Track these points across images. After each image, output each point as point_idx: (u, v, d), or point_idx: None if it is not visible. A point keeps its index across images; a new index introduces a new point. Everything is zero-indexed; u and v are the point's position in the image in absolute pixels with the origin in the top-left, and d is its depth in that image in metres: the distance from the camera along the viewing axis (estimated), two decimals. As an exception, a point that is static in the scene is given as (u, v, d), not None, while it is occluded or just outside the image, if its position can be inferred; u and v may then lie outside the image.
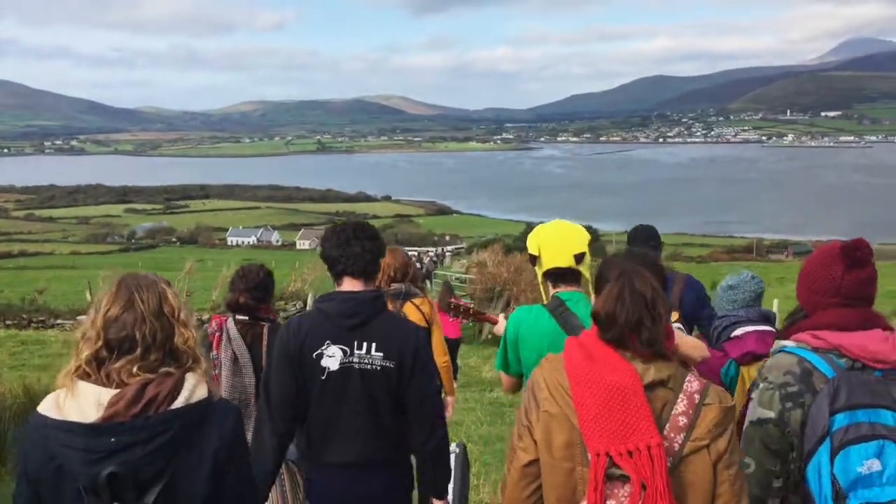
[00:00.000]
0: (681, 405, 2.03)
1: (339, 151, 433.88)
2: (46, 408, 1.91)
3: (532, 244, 3.20)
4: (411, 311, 4.94)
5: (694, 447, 2.00)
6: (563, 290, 3.10)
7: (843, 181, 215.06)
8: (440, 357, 5.08)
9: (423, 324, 4.88)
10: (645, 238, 4.99)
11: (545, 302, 3.20)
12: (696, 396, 2.04)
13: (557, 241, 3.12)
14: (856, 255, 2.38)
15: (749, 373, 3.37)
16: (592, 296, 3.10)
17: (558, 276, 3.12)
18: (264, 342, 4.12)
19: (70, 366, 1.95)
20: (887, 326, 2.39)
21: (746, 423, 2.46)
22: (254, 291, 4.25)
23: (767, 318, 3.60)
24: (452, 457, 3.79)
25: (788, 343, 2.47)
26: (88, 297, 16.01)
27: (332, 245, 3.06)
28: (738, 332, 3.54)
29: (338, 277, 3.09)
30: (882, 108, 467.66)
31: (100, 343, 1.92)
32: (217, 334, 4.22)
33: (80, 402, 1.87)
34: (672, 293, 4.57)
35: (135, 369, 1.90)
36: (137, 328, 1.92)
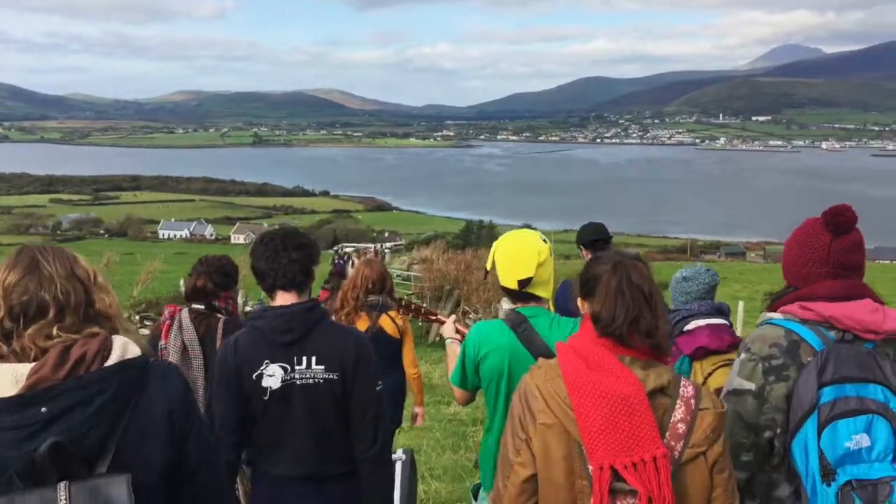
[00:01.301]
0: (679, 412, 1.99)
1: (276, 144, 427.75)
2: None
3: (490, 258, 3.14)
4: (387, 323, 5.21)
5: (692, 454, 1.97)
6: (523, 307, 3.03)
7: (772, 184, 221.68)
8: (411, 369, 5.39)
9: (396, 335, 5.25)
10: (594, 234, 4.99)
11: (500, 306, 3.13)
12: (693, 402, 2.01)
13: (507, 262, 3.04)
14: (839, 221, 2.33)
15: (702, 367, 3.31)
16: (551, 305, 3.15)
17: (514, 294, 3.04)
18: (218, 335, 3.86)
19: None
20: (876, 297, 2.36)
21: (723, 392, 2.43)
22: (214, 275, 4.07)
23: (720, 311, 3.51)
24: (399, 464, 3.88)
25: (775, 315, 2.42)
26: None
27: (260, 257, 2.95)
28: (691, 325, 3.43)
29: (269, 291, 2.98)
30: (809, 114, 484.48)
31: (1, 314, 1.74)
32: (167, 322, 4.01)
33: None
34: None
35: (54, 331, 1.73)
36: (46, 290, 1.75)
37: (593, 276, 2.15)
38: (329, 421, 2.93)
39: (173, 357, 3.86)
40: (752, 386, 2.32)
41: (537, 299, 3.05)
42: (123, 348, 1.78)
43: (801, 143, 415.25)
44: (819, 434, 2.16)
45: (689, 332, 3.41)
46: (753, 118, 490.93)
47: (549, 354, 2.79)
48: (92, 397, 1.67)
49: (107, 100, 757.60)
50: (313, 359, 2.88)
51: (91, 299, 1.82)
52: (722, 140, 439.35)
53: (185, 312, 3.99)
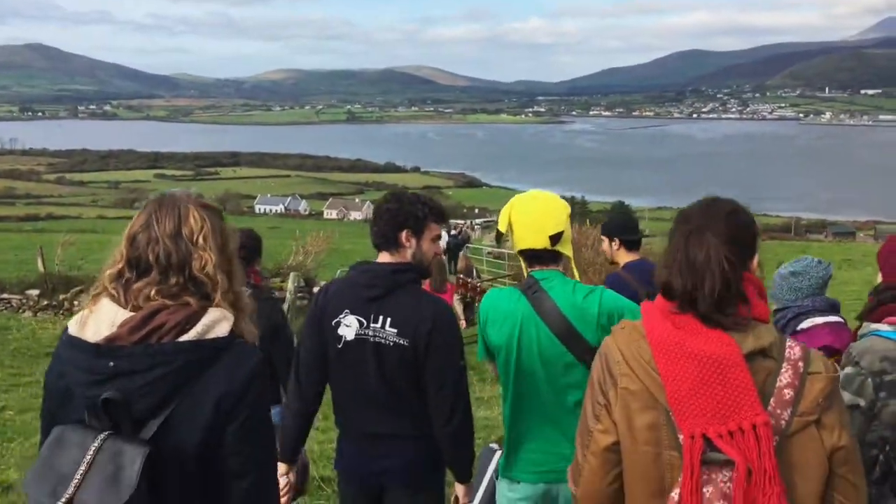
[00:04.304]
0: (785, 376, 1.80)
1: (369, 121, 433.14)
2: (72, 323, 1.86)
3: (503, 220, 2.94)
4: None
5: (801, 423, 1.78)
6: (539, 270, 2.91)
7: (882, 160, 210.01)
8: None
9: None
10: (621, 228, 4.76)
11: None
12: (801, 364, 1.82)
13: (530, 219, 2.88)
14: None
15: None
16: (575, 272, 3.03)
17: (533, 256, 2.91)
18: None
19: (99, 282, 1.88)
20: None
21: None
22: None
23: (835, 308, 3.29)
24: (497, 455, 3.92)
25: (883, 327, 2.27)
26: (40, 266, 15.07)
27: (373, 220, 3.07)
28: (806, 324, 3.20)
29: (377, 251, 3.07)
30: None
31: (122, 262, 1.86)
32: None
33: (98, 320, 1.81)
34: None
35: (152, 292, 1.81)
36: (150, 249, 1.83)
37: (669, 237, 1.99)
38: (400, 384, 2.90)
39: None
40: (861, 402, 2.19)
41: (556, 261, 2.91)
42: (208, 326, 1.80)
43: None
44: None
45: (803, 330, 3.18)
46: (862, 92, 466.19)
47: (559, 319, 2.72)
48: (153, 367, 1.74)
49: (209, 79, 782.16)
50: (388, 320, 2.88)
51: (189, 258, 1.84)
52: (827, 115, 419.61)
53: None
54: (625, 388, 1.86)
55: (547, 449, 2.85)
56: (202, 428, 1.78)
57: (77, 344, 1.80)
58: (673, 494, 1.78)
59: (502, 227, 2.94)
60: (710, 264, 1.82)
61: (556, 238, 2.84)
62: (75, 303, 13.63)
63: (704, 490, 1.75)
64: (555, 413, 2.82)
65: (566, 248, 2.91)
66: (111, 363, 1.75)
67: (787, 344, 1.86)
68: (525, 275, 2.97)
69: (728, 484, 1.75)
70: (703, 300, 1.81)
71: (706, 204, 1.98)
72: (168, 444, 1.73)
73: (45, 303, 14.03)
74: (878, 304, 2.35)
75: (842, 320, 3.23)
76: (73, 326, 1.84)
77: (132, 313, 1.79)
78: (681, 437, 1.78)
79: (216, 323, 1.82)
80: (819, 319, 3.19)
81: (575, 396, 2.73)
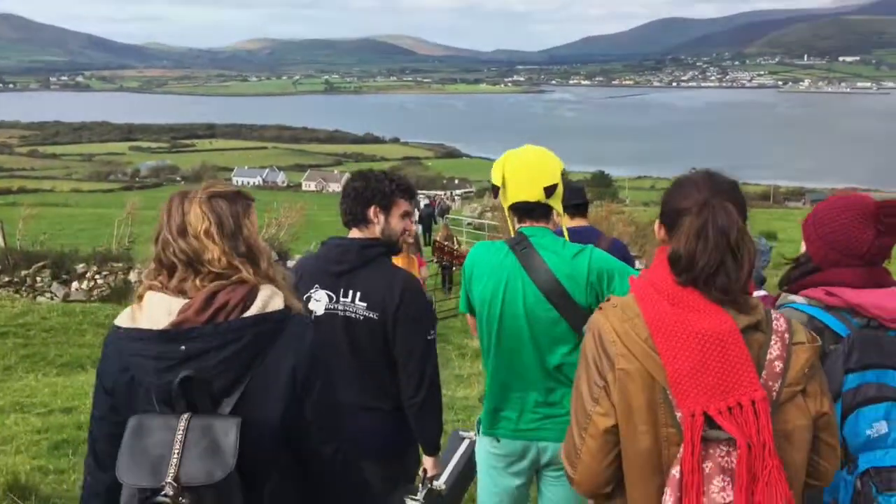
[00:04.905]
0: (775, 348, 1.83)
1: (347, 92, 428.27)
2: (121, 320, 1.90)
3: (496, 173, 2.86)
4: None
5: (790, 393, 1.82)
6: (529, 226, 2.84)
7: (860, 128, 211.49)
8: None
9: None
10: (574, 198, 4.48)
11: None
12: (787, 336, 1.85)
13: (525, 172, 2.82)
14: (891, 222, 2.27)
15: None
16: (563, 226, 3.01)
17: (525, 210, 2.84)
18: None
19: (144, 278, 1.94)
20: None
21: None
22: None
23: (762, 282, 3.34)
24: (465, 443, 3.95)
25: (798, 299, 2.34)
26: (0, 241, 14.21)
27: (342, 198, 3.10)
28: None
29: (347, 228, 3.12)
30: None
31: (154, 261, 1.93)
32: None
33: (151, 312, 1.85)
34: None
35: (189, 283, 1.87)
36: (167, 249, 1.90)
37: (678, 209, 1.95)
38: (370, 356, 2.96)
39: None
40: None
41: (547, 217, 2.85)
42: (266, 301, 1.87)
43: (891, 84, 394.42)
44: (842, 422, 2.12)
45: None
46: (840, 59, 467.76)
47: (548, 276, 2.70)
48: (226, 344, 1.79)
49: (182, 49, 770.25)
50: (357, 294, 2.94)
51: (238, 245, 1.92)
52: (806, 82, 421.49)
53: None
54: (622, 368, 1.85)
55: (527, 408, 2.83)
56: (280, 400, 1.84)
57: (139, 335, 1.83)
58: (674, 472, 1.79)
59: (496, 181, 2.87)
60: (733, 235, 1.82)
61: (550, 190, 2.79)
62: (38, 279, 13.06)
63: (704, 465, 1.77)
64: (535, 373, 2.79)
65: (557, 204, 2.86)
66: (182, 347, 1.78)
67: (773, 316, 1.89)
68: (512, 232, 2.90)
69: (726, 458, 1.77)
70: (726, 273, 1.81)
71: (707, 175, 1.99)
72: (246, 420, 1.77)
73: (7, 279, 13.43)
74: (800, 276, 2.42)
75: (768, 294, 3.30)
76: (124, 321, 1.88)
77: (187, 300, 1.85)
78: (678, 414, 1.78)
79: (272, 297, 1.88)
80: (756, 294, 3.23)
81: (556, 358, 2.74)
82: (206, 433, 1.72)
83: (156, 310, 1.85)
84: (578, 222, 4.45)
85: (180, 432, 1.71)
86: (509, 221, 2.93)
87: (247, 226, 1.96)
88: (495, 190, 2.91)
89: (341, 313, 2.94)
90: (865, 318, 2.23)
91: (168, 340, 1.80)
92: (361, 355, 2.96)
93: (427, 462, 3.11)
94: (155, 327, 1.82)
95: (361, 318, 2.93)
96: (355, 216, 3.02)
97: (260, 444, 1.81)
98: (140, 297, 1.91)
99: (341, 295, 2.95)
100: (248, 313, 1.84)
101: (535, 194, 2.78)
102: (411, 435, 3.08)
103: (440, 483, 3.20)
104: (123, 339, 1.86)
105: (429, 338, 2.98)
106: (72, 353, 9.24)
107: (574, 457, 1.97)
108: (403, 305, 2.92)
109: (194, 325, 1.80)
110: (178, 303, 1.84)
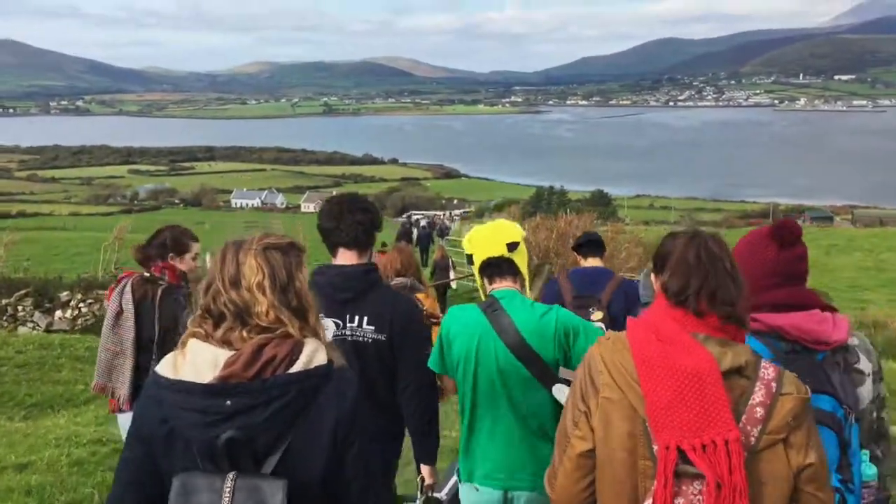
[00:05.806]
0: (758, 395, 1.86)
1: (345, 114, 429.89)
2: (163, 368, 1.86)
3: (466, 243, 3.17)
4: None
5: (769, 441, 1.83)
6: (499, 288, 3.04)
7: (857, 145, 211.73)
8: None
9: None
10: (594, 245, 4.78)
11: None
12: (774, 385, 1.87)
13: (488, 232, 3.10)
14: (785, 236, 2.36)
15: None
16: (528, 291, 3.18)
17: (493, 268, 3.05)
18: (156, 303, 4.14)
19: (189, 326, 1.93)
20: (827, 306, 2.33)
21: None
22: (147, 248, 4.28)
23: None
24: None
25: None
26: None
27: (327, 217, 3.10)
28: None
29: (332, 249, 3.12)
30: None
31: (202, 309, 1.92)
32: (113, 286, 4.32)
33: (195, 363, 1.82)
34: (604, 292, 4.39)
35: (235, 335, 1.85)
36: (217, 299, 1.89)
37: (668, 249, 2.06)
38: (376, 380, 3.05)
39: (108, 316, 4.17)
40: None
41: (514, 275, 3.05)
42: (311, 356, 1.85)
43: (886, 102, 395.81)
44: None
45: None
46: (836, 77, 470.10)
47: (516, 337, 2.85)
48: (271, 400, 1.77)
49: (182, 73, 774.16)
50: (365, 318, 3.02)
51: (290, 299, 1.91)
52: (802, 101, 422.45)
53: (134, 278, 4.23)
54: (606, 397, 1.91)
55: (504, 461, 2.92)
56: (322, 457, 1.82)
57: (185, 387, 1.79)
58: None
59: (468, 249, 3.15)
60: (727, 262, 1.95)
61: (512, 246, 3.02)
62: (19, 308, 12.65)
63: (676, 501, 1.79)
64: (509, 425, 2.91)
65: (522, 263, 3.07)
66: (228, 402, 1.75)
67: (762, 364, 1.91)
68: (483, 296, 3.11)
69: (698, 497, 1.79)
70: (727, 291, 1.91)
71: (692, 227, 2.09)
72: (289, 477, 1.75)
73: (-13, 309, 12.99)
74: None
75: None
76: (167, 370, 1.85)
77: (232, 351, 1.82)
78: (655, 447, 1.82)
79: (316, 352, 1.87)
80: None
81: (537, 422, 2.89)
82: (253, 495, 1.70)
83: (200, 360, 1.82)
84: (592, 262, 4.60)
85: (227, 494, 1.69)
86: (480, 286, 3.14)
87: (299, 278, 1.95)
88: (468, 257, 3.17)
89: (349, 338, 3.01)
90: (790, 342, 2.24)
91: (214, 395, 1.77)
92: (371, 381, 3.02)
93: (424, 471, 3.19)
94: (199, 379, 1.79)
95: (370, 340, 3.02)
96: (359, 242, 3.09)
97: (304, 499, 1.79)
98: (183, 345, 1.89)
99: (348, 321, 3.02)
100: (294, 369, 1.82)
101: (498, 249, 3.01)
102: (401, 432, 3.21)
103: (442, 494, 3.28)
104: (165, 389, 1.82)
105: (427, 353, 3.08)
106: (44, 392, 8.67)
107: (553, 477, 2.06)
108: (409, 326, 3.06)
109: (241, 380, 1.77)
110: (223, 354, 1.82)
